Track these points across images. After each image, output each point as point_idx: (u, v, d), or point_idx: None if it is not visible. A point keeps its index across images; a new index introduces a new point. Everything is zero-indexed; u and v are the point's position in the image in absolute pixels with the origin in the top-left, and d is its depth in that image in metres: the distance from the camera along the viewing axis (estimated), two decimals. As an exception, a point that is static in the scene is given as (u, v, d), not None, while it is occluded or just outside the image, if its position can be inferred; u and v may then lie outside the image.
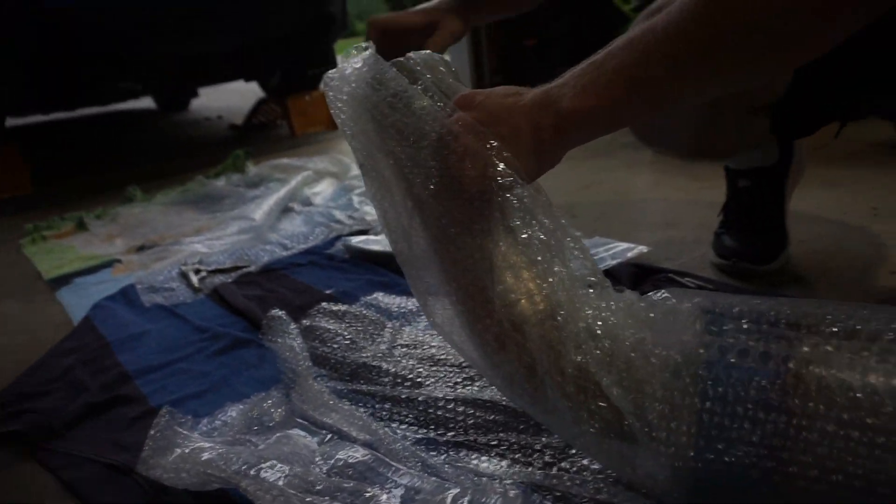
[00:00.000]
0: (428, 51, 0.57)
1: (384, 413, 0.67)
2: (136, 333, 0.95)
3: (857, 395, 0.37)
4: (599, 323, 0.44)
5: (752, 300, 0.43)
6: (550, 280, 0.47)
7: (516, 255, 0.48)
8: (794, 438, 0.38)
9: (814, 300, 0.43)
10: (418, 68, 0.54)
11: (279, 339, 0.81)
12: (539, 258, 0.47)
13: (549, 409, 0.47)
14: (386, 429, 0.64)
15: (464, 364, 0.75)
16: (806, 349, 0.39)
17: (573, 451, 0.57)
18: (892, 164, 1.33)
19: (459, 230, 0.49)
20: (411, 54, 0.55)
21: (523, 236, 0.47)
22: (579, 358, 0.44)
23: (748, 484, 0.39)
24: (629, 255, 1.01)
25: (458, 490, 0.50)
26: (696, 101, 0.50)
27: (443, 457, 0.59)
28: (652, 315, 0.44)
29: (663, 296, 0.45)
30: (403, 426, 0.65)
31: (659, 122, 0.76)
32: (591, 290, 0.47)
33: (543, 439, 0.60)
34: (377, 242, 1.18)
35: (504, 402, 0.65)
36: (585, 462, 0.55)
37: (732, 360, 0.40)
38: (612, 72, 0.46)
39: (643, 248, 1.03)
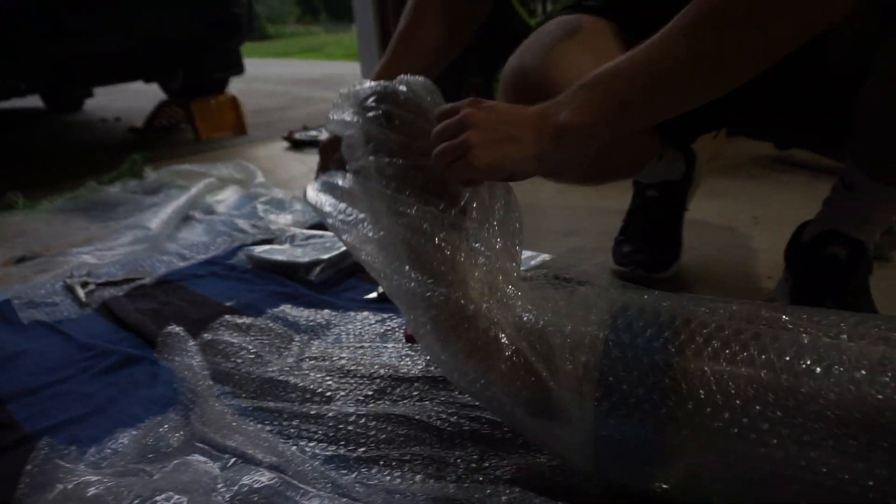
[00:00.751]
0: (422, 77, 0.62)
1: (292, 431, 0.65)
2: (11, 354, 0.87)
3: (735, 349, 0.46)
4: (531, 307, 0.53)
5: (654, 296, 0.52)
6: (499, 274, 0.56)
7: (472, 250, 0.56)
8: (679, 392, 0.46)
9: (703, 297, 0.53)
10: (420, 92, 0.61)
11: (176, 358, 0.76)
12: (490, 254, 0.56)
13: (488, 390, 0.53)
14: (294, 448, 0.61)
15: (374, 376, 0.74)
16: (694, 331, 0.48)
17: (486, 464, 0.57)
18: (770, 176, 1.45)
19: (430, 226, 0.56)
20: (408, 79, 0.62)
21: (483, 234, 0.57)
22: (517, 341, 0.52)
23: (645, 434, 0.47)
24: (532, 262, 1.04)
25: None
26: (670, 117, 0.55)
27: (354, 475, 0.58)
28: (571, 303, 0.53)
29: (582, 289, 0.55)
30: (312, 444, 0.63)
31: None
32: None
33: (457, 452, 0.59)
34: (282, 252, 1.14)
35: (416, 416, 0.65)
36: (499, 473, 0.56)
37: (633, 339, 0.49)
38: (603, 93, 0.52)
39: (546, 256, 1.06)
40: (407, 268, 0.56)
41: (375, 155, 0.58)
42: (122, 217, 1.51)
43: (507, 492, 0.52)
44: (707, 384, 0.45)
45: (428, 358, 0.76)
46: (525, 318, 0.54)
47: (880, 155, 0.67)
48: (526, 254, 1.07)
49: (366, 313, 0.92)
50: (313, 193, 0.68)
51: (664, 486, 0.49)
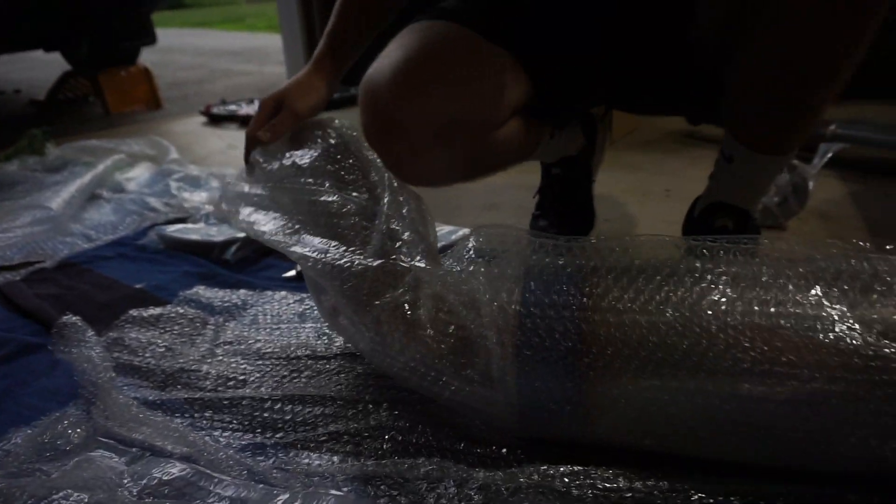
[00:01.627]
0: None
1: (204, 421, 0.62)
2: None
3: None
4: (451, 280, 0.57)
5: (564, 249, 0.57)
6: (418, 252, 0.60)
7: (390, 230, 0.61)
8: (591, 341, 0.50)
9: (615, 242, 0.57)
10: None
11: (73, 350, 0.71)
12: (407, 232, 0.61)
13: (411, 358, 0.55)
14: (207, 438, 0.59)
15: (291, 356, 0.73)
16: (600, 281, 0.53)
17: (401, 437, 0.57)
18: (683, 150, 1.50)
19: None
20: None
21: (398, 217, 0.62)
22: (437, 313, 0.55)
23: (563, 385, 0.50)
24: (453, 237, 1.04)
25: (287, 496, 0.48)
26: None
27: (271, 461, 0.56)
28: (488, 268, 0.57)
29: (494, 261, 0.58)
30: (227, 433, 0.61)
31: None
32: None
33: (372, 422, 0.59)
34: (196, 231, 1.09)
35: (332, 394, 0.64)
36: (419, 443, 0.56)
37: (547, 293, 0.53)
38: None
39: (466, 230, 1.06)
40: (329, 246, 0.59)
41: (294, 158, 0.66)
42: (19, 196, 1.39)
43: (426, 464, 0.52)
44: (616, 332, 0.49)
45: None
46: (445, 284, 0.56)
47: (751, 125, 0.70)
48: (446, 228, 1.07)
49: (284, 292, 0.89)
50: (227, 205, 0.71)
51: (585, 435, 0.53)
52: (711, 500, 0.47)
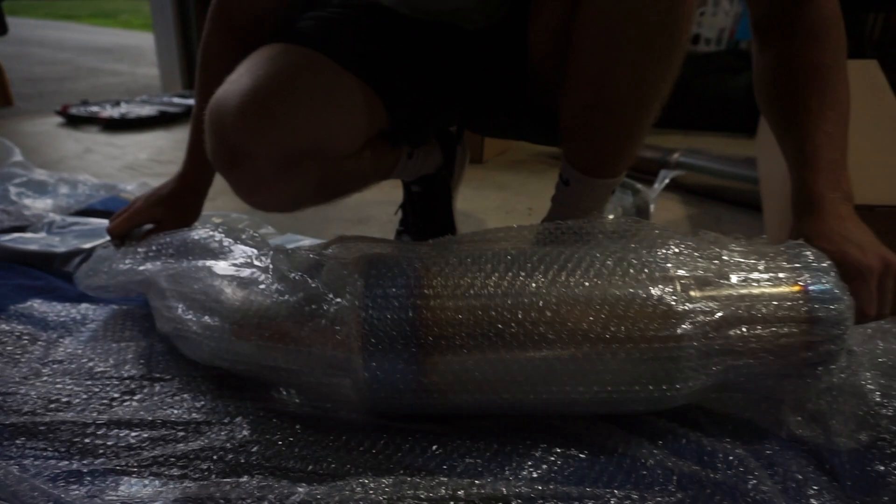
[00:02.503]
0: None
1: (14, 450, 0.57)
2: None
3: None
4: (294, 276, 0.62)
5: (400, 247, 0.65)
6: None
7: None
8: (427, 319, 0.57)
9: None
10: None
11: None
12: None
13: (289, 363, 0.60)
14: (15, 468, 0.54)
15: (125, 376, 0.69)
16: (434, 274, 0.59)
17: (230, 457, 0.56)
18: (548, 171, 1.59)
19: None
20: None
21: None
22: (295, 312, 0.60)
23: (403, 362, 0.56)
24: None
25: (90, 525, 0.45)
26: None
27: (85, 489, 0.53)
28: (331, 276, 0.61)
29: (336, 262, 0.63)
30: (39, 461, 0.56)
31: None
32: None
33: (203, 442, 0.58)
34: (35, 241, 1.01)
35: (163, 417, 0.61)
36: (244, 461, 0.56)
37: (385, 289, 0.58)
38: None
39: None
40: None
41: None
42: None
43: (249, 483, 0.51)
44: (453, 316, 0.56)
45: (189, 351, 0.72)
46: (296, 286, 0.62)
47: (581, 151, 0.76)
48: (310, 241, 1.06)
49: (129, 306, 0.85)
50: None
51: (432, 410, 0.59)
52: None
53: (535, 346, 0.56)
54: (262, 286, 0.64)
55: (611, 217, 1.13)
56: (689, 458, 0.57)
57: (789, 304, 0.57)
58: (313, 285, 0.61)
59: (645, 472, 0.56)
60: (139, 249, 0.78)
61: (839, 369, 0.61)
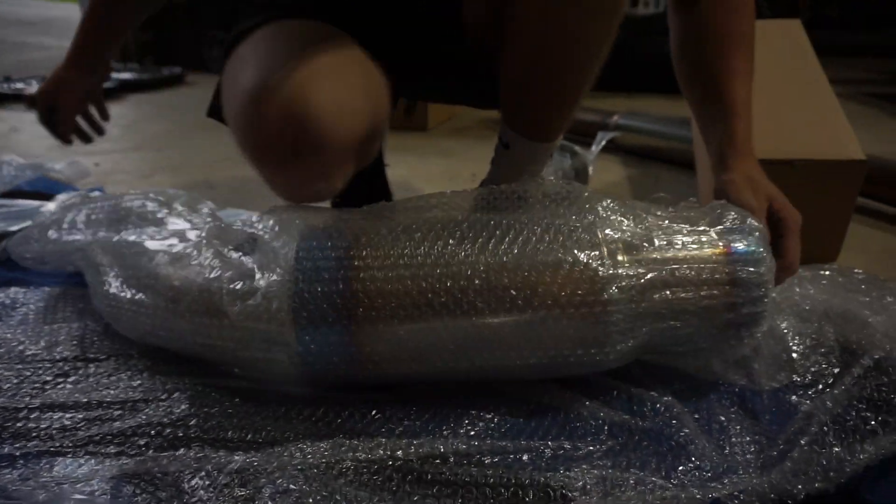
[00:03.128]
0: None
1: (-60, 439, 0.56)
2: None
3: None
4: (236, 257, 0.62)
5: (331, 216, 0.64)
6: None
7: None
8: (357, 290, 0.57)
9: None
10: None
11: None
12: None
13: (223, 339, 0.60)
14: (-58, 457, 0.53)
15: (58, 359, 0.67)
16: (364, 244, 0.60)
17: (168, 431, 0.56)
18: (492, 136, 1.58)
19: None
20: None
21: None
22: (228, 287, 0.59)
23: (335, 334, 0.57)
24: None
25: (21, 507, 0.45)
26: None
27: (17, 472, 0.52)
28: (263, 243, 0.61)
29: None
30: (-32, 448, 0.55)
31: None
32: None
33: (141, 419, 0.57)
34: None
35: (99, 398, 0.60)
36: (181, 434, 0.56)
37: (315, 262, 0.58)
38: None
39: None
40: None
41: None
42: None
43: (186, 455, 0.52)
44: (383, 286, 0.57)
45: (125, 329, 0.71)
46: (228, 263, 0.61)
47: (520, 115, 0.77)
48: (245, 215, 1.04)
49: (61, 289, 0.82)
50: None
51: (366, 381, 0.61)
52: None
53: (464, 315, 0.56)
54: (196, 262, 0.63)
55: (550, 178, 1.15)
56: (620, 409, 0.60)
57: (712, 265, 0.59)
58: (246, 260, 0.61)
59: (578, 424, 0.58)
60: (73, 217, 0.75)
61: (761, 331, 0.62)
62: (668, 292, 0.58)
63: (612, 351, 0.58)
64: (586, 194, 0.65)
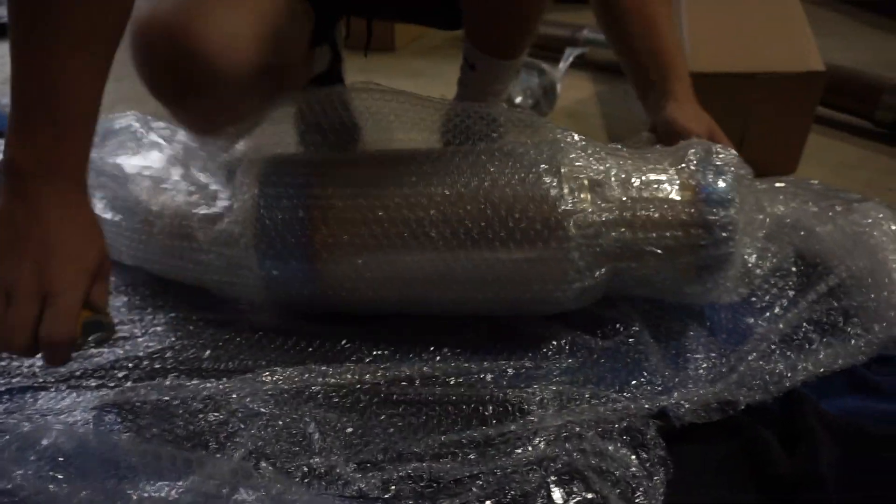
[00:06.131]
0: None
1: None
2: None
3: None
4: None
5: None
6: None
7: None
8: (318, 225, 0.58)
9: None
10: None
11: None
12: None
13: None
14: None
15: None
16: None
17: (145, 363, 0.59)
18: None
19: None
20: None
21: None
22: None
23: (296, 260, 0.58)
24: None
25: (7, 437, 0.47)
26: None
27: (2, 406, 0.55)
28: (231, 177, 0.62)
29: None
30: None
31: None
32: None
33: (119, 351, 0.60)
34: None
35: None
36: (158, 366, 0.59)
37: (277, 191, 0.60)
38: None
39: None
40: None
41: None
42: None
43: (161, 384, 0.55)
44: (343, 214, 0.58)
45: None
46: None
47: (484, 33, 0.76)
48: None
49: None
50: None
51: (331, 308, 0.62)
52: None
53: (420, 247, 0.57)
54: (170, 186, 0.64)
55: (518, 100, 1.14)
56: (583, 329, 0.63)
57: (678, 206, 0.57)
58: (214, 186, 0.62)
59: (541, 344, 0.61)
60: None
61: (727, 277, 0.60)
62: (626, 231, 0.57)
63: (568, 289, 0.58)
64: (550, 125, 0.64)
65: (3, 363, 0.60)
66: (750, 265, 0.69)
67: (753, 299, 0.67)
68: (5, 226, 0.44)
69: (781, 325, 0.62)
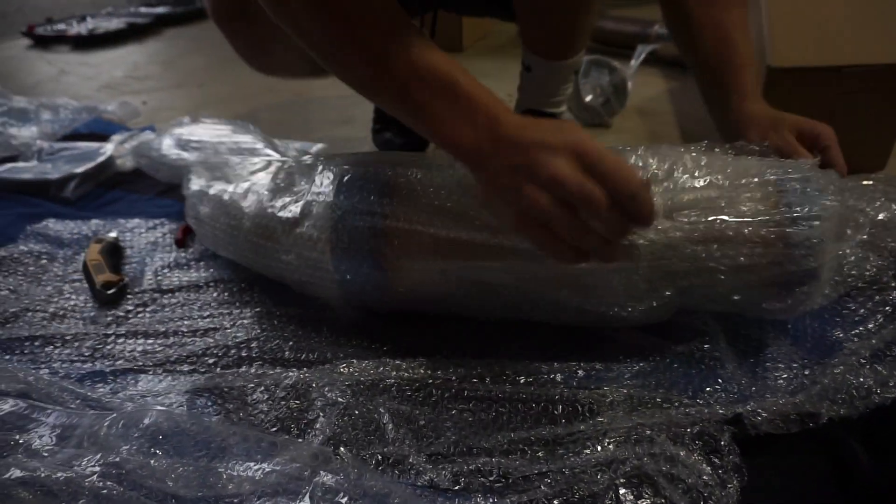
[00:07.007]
0: None
1: (44, 357, 0.64)
2: None
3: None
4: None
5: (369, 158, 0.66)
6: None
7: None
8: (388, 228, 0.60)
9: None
10: None
11: None
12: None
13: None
14: (45, 371, 0.61)
15: (138, 290, 0.75)
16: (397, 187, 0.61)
17: (233, 352, 0.63)
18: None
19: None
20: None
21: None
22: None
23: (368, 268, 0.61)
24: (311, 151, 1.06)
25: (114, 416, 0.52)
26: None
27: (109, 387, 0.60)
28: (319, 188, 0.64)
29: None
30: (66, 364, 0.63)
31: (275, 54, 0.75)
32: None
33: (209, 342, 0.64)
34: (28, 170, 1.04)
35: (174, 327, 0.68)
36: (244, 354, 0.63)
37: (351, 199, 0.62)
38: None
39: (320, 146, 1.08)
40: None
41: None
42: None
43: (247, 372, 0.59)
44: (412, 225, 0.58)
45: (194, 267, 0.78)
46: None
47: (537, 35, 0.76)
48: (297, 144, 1.09)
49: (137, 220, 0.90)
50: None
51: (396, 308, 0.65)
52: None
53: (495, 257, 0.57)
54: (261, 190, 0.69)
55: (588, 98, 1.14)
56: (655, 332, 0.61)
57: (759, 221, 0.54)
58: (298, 188, 0.65)
59: (612, 347, 0.61)
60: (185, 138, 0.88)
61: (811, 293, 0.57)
62: (700, 248, 0.54)
63: (635, 307, 0.57)
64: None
65: (108, 348, 0.65)
66: (843, 274, 0.62)
67: (845, 312, 0.62)
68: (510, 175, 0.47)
69: (874, 341, 0.57)
